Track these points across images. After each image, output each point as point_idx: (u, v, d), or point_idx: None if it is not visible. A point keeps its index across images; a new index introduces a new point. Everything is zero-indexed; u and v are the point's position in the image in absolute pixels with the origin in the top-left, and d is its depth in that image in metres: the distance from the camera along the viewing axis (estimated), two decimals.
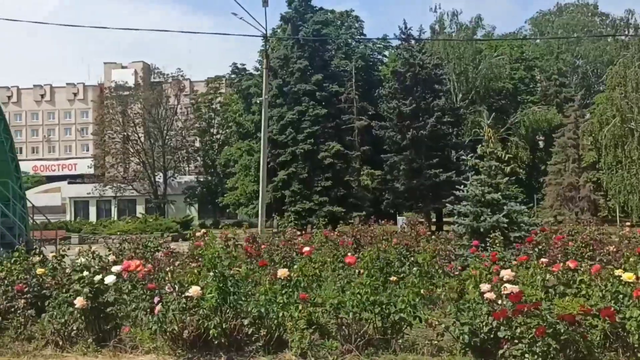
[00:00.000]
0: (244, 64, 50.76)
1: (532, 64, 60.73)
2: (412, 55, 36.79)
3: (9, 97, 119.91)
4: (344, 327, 7.52)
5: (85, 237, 41.32)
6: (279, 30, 42.35)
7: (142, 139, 61.87)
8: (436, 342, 7.38)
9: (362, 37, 47.43)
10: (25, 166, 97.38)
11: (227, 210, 51.51)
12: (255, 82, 44.11)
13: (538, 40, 67.74)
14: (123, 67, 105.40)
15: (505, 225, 14.96)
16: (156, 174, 62.78)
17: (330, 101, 37.96)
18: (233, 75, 52.94)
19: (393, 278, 7.70)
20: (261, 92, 37.32)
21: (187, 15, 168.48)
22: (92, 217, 64.46)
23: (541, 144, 53.68)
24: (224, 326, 7.35)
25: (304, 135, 36.40)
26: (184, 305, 7.35)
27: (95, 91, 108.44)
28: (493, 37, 51.38)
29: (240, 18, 29.66)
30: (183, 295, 7.40)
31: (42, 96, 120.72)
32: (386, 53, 49.18)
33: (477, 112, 43.14)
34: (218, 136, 62.81)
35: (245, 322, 7.39)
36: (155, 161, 62.14)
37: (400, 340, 7.52)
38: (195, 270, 7.63)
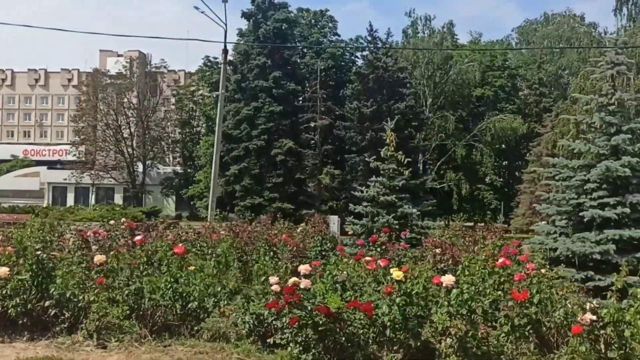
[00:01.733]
0: (216, 57, 50.84)
1: (514, 72, 61.05)
2: (376, 58, 37.18)
3: (3, 80, 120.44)
4: (141, 312, 8.00)
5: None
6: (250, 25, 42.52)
7: (122, 127, 62.23)
8: (224, 329, 7.88)
9: (335, 36, 47.85)
10: (16, 150, 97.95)
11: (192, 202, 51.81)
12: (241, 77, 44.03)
13: (524, 50, 68.12)
14: (119, 55, 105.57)
15: (397, 227, 15.50)
16: (136, 164, 63.18)
17: (287, 99, 38.26)
18: (205, 68, 53.23)
19: (191, 267, 8.16)
20: (228, 86, 37.85)
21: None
22: (70, 202, 64.87)
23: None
24: (28, 307, 7.84)
25: (258, 131, 36.77)
26: None
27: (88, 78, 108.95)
28: (464, 46, 51.74)
29: (202, 12, 30.19)
30: None
31: (37, 80, 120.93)
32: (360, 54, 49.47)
33: (443, 117, 43.54)
34: (198, 129, 63.14)
35: (47, 303, 7.87)
36: (135, 150, 62.55)
37: (196, 327, 8.00)
38: (7, 252, 8.10)
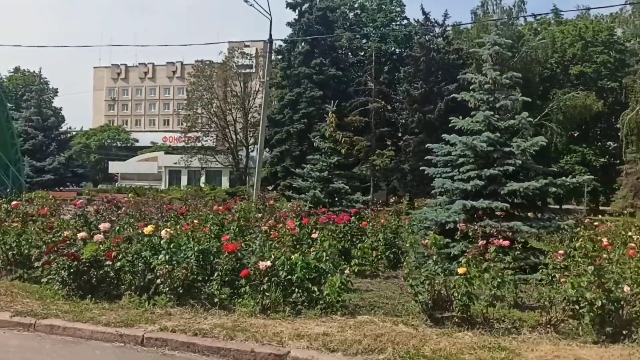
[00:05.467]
0: (281, 45, 52.23)
1: (622, 47, 57.82)
2: (428, 40, 37.58)
3: (145, 73, 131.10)
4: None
5: None
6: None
7: (226, 114, 66.42)
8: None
9: (405, 20, 48.04)
10: (156, 137, 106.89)
11: None
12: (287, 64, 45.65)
13: (637, 22, 63.95)
14: (245, 46, 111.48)
15: (326, 200, 16.98)
16: (240, 148, 67.42)
17: (328, 84, 39.54)
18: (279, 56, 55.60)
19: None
20: (287, 74, 40.00)
21: None
22: (184, 184, 70.71)
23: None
24: None
25: (299, 115, 38.57)
26: None
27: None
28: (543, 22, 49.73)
29: (250, 5, 32.77)
30: None
31: (174, 72, 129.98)
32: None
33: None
34: None
35: None
36: (238, 135, 66.72)
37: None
38: None
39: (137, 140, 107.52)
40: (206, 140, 67.95)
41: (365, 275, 11.73)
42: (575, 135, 51.10)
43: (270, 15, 33.46)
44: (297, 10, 41.66)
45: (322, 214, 14.14)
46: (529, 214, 14.05)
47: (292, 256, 8.57)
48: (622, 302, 7.45)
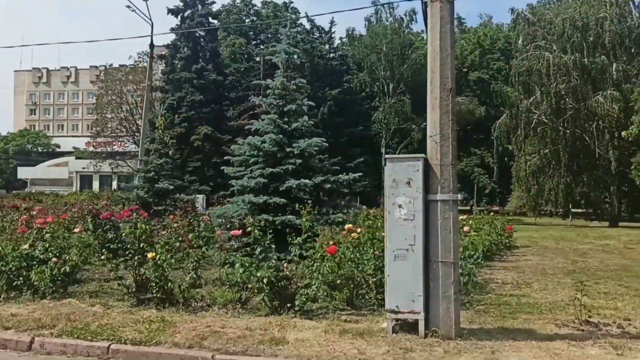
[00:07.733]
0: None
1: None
2: (313, 47, 38.78)
3: (68, 77, 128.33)
4: None
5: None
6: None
7: (136, 118, 66.05)
8: None
9: (300, 27, 49.29)
10: (80, 142, 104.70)
11: None
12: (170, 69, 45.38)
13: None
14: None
15: (149, 199, 17.70)
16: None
17: (209, 88, 40.29)
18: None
19: None
20: (169, 78, 40.39)
21: None
22: (95, 189, 69.90)
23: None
24: None
25: (180, 119, 39.25)
26: None
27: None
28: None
29: (133, 10, 33.34)
30: None
31: (97, 76, 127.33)
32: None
33: (400, 101, 44.46)
34: None
35: None
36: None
37: None
38: None
39: (58, 146, 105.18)
40: (114, 145, 67.59)
41: None
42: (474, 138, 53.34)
43: (151, 20, 34.23)
44: (179, 16, 42.24)
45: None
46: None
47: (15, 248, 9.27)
48: (290, 280, 8.43)
